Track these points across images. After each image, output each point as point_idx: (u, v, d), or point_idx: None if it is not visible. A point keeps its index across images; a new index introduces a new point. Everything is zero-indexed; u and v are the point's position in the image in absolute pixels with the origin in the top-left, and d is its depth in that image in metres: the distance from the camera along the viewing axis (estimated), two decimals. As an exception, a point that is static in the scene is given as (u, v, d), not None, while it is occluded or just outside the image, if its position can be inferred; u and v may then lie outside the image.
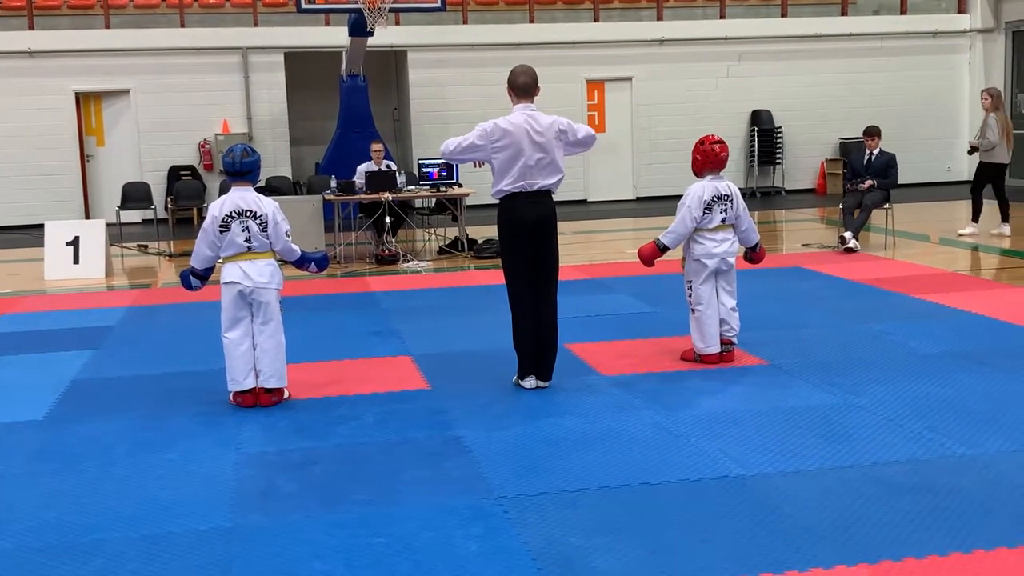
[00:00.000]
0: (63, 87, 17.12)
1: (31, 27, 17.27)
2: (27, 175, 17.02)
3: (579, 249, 12.61)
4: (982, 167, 12.60)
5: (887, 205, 11.87)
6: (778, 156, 19.15)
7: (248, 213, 5.98)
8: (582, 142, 6.26)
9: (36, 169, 17.09)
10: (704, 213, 6.65)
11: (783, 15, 19.55)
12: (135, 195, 16.36)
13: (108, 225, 12.32)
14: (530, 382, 6.28)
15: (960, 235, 12.52)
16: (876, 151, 11.86)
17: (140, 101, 17.42)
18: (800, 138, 19.32)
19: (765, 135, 19.06)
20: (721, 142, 6.78)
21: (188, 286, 6.30)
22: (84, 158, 17.61)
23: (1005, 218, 12.55)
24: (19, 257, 13.51)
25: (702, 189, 6.68)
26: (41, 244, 12.03)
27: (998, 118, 12.40)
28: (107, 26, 17.47)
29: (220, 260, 6.10)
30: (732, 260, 6.77)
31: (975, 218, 12.62)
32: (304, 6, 13.95)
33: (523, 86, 6.13)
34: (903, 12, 19.98)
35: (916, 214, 14.14)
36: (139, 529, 4.31)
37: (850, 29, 19.37)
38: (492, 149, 6.09)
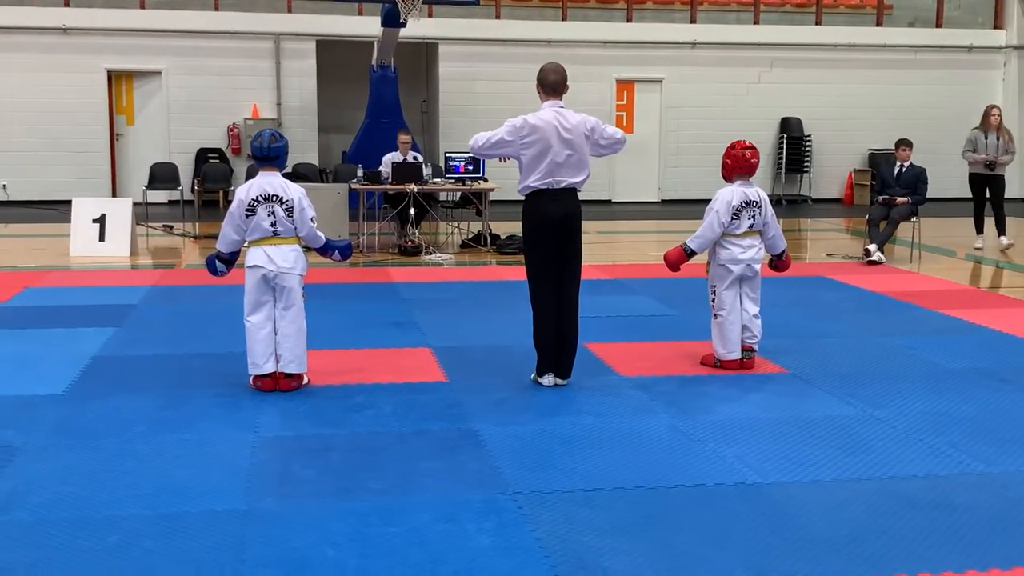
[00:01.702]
0: (96, 65, 17.22)
1: (66, 4, 17.37)
2: (57, 151, 17.14)
3: (602, 249, 12.60)
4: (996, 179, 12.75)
5: (914, 218, 11.80)
6: (806, 164, 19.07)
7: (274, 198, 6.00)
8: (610, 146, 6.24)
9: (66, 145, 17.20)
10: (732, 218, 6.62)
11: (817, 23, 19.46)
12: (163, 176, 16.46)
13: (135, 205, 12.38)
14: (548, 379, 6.28)
15: (977, 249, 12.61)
16: (907, 164, 11.79)
17: (171, 82, 17.51)
18: (829, 147, 19.23)
19: (794, 143, 18.98)
20: (752, 148, 6.74)
21: (213, 271, 6.32)
22: (114, 137, 17.72)
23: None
24: (45, 232, 13.60)
25: (731, 194, 6.65)
26: (67, 220, 12.11)
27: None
28: (142, 6, 17.57)
29: (245, 244, 6.13)
30: (758, 267, 6.74)
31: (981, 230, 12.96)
32: (339, -6, 13.98)
33: (553, 84, 6.13)
34: (939, 25, 19.86)
35: (943, 229, 14.05)
36: (155, 507, 4.33)
37: (884, 40, 19.26)
38: (520, 145, 6.08)
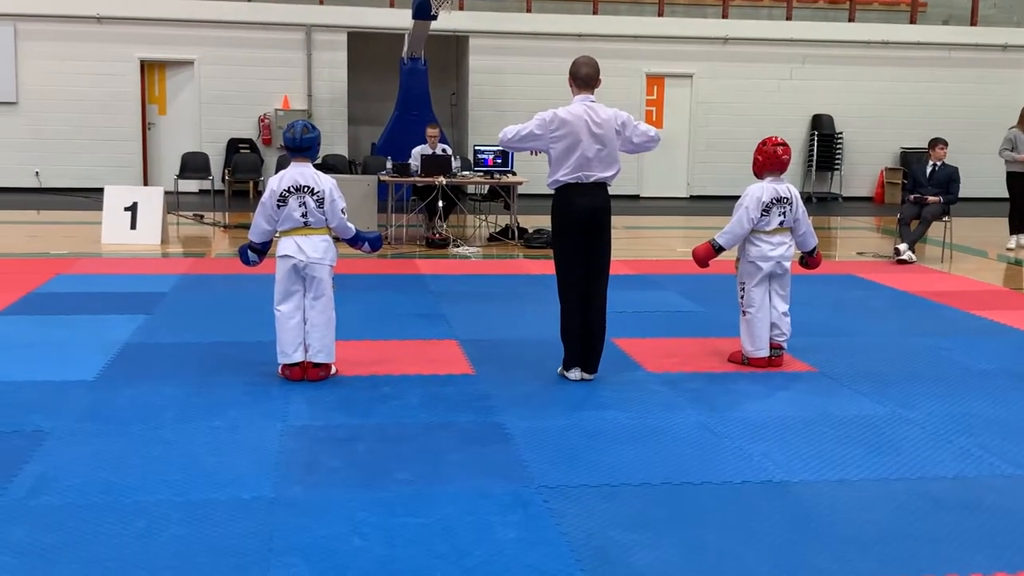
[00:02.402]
0: (129, 54, 17.34)
1: (101, -7, 17.48)
2: (89, 139, 17.27)
3: (629, 244, 12.56)
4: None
5: (946, 218, 11.70)
6: (837, 162, 18.95)
7: (306, 189, 6.02)
8: (643, 144, 6.21)
9: (98, 134, 17.33)
10: (762, 215, 6.59)
11: (850, 19, 19.31)
12: (194, 165, 16.57)
13: (166, 193, 12.46)
14: (575, 374, 6.27)
15: (1009, 249, 12.50)
16: (940, 163, 11.68)
17: (203, 72, 17.60)
18: (860, 145, 19.10)
19: (825, 140, 18.86)
20: (784, 144, 6.70)
21: (246, 261, 6.36)
22: (146, 125, 17.84)
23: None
24: (77, 219, 13.72)
25: (761, 190, 6.61)
26: (99, 208, 12.21)
27: None
28: (175, -4, 17.66)
29: (277, 234, 6.16)
30: (788, 264, 6.70)
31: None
32: (370, -14, 13.99)
33: (585, 77, 6.11)
34: (973, 23, 19.66)
35: (975, 229, 13.91)
36: (183, 494, 4.36)
37: (918, 38, 19.09)
38: (550, 139, 6.07)
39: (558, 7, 18.91)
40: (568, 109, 6.09)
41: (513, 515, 4.22)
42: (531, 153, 6.44)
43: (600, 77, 6.18)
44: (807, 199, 18.66)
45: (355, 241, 6.40)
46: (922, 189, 11.70)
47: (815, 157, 18.88)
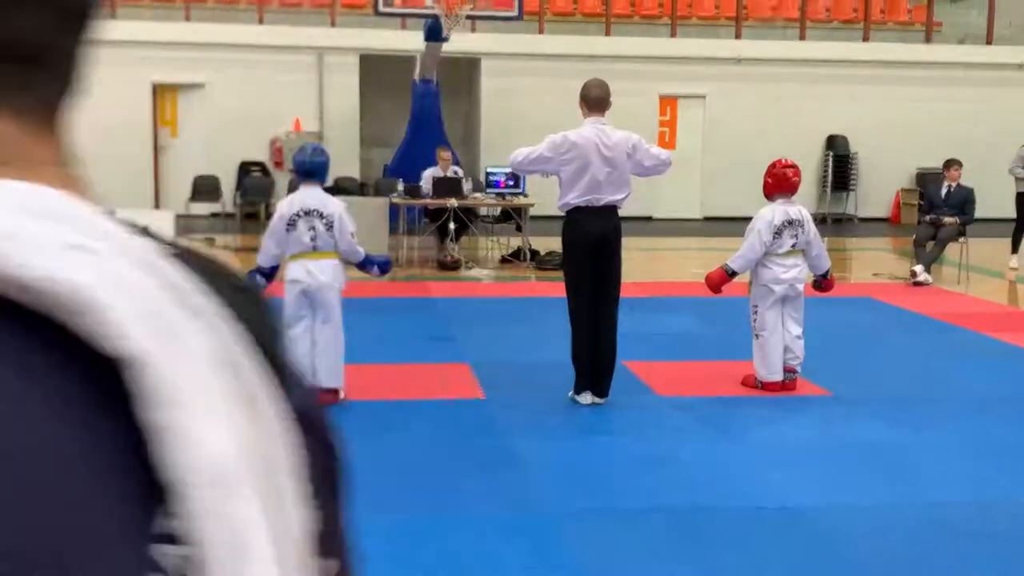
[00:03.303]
0: (141, 77, 17.41)
1: (113, 16, 17.59)
2: (100, 163, 17.10)
3: (642, 266, 12.49)
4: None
5: (962, 239, 11.62)
6: (852, 183, 18.86)
7: (315, 212, 6.00)
8: (655, 167, 6.19)
9: (109, 157, 17.31)
10: (774, 238, 6.53)
11: (865, 39, 19.27)
12: (205, 188, 16.61)
13: (177, 217, 12.47)
14: (586, 398, 6.21)
15: (1012, 269, 12.46)
16: (955, 184, 11.61)
17: (215, 95, 17.66)
18: (876, 165, 19.01)
19: (840, 161, 18.78)
20: (793, 166, 6.66)
21: (252, 285, 6.33)
22: (157, 148, 17.90)
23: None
24: (90, 242, 13.72)
25: (772, 213, 6.56)
26: (111, 231, 12.20)
27: None
28: (187, 19, 17.76)
29: (286, 258, 6.14)
30: (800, 287, 6.64)
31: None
32: (381, 9, 14.03)
33: (596, 99, 6.08)
34: (989, 42, 19.59)
35: (992, 250, 13.79)
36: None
37: (933, 57, 19.02)
38: (560, 161, 6.04)
39: (570, 28, 18.94)
40: (579, 132, 6.06)
41: (522, 541, 4.17)
42: (542, 175, 6.41)
43: (611, 99, 6.15)
44: (822, 220, 18.58)
45: (364, 264, 6.37)
46: (938, 210, 11.63)
47: (830, 178, 18.79)
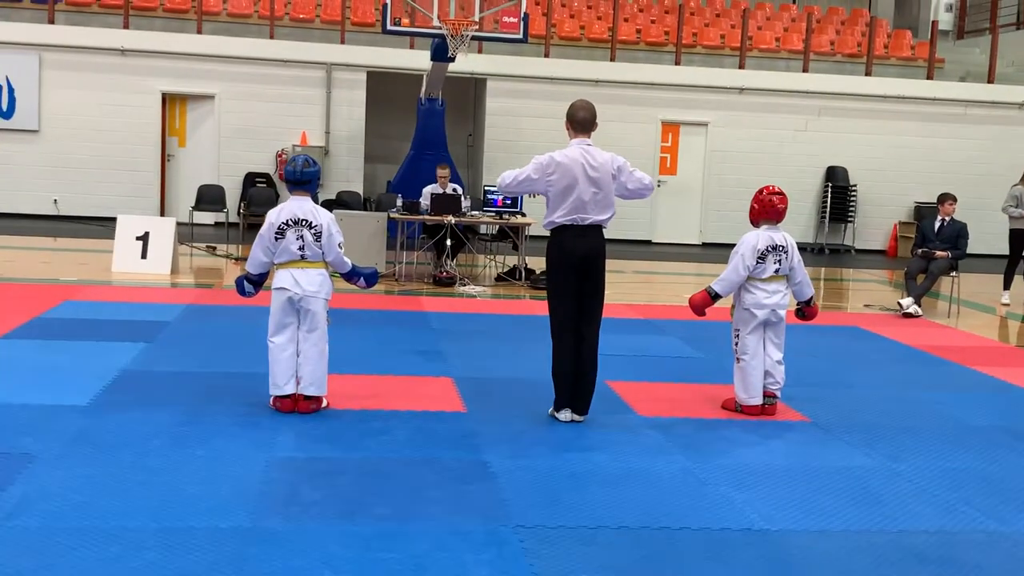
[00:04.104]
0: (151, 87, 17.57)
1: (126, 26, 17.78)
2: (108, 169, 17.47)
3: (637, 288, 12.58)
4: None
5: (954, 273, 11.68)
6: (851, 214, 18.94)
7: (304, 222, 6.09)
8: (638, 191, 6.22)
9: (117, 164, 17.53)
10: (757, 262, 6.61)
11: (867, 73, 19.39)
12: (209, 197, 16.72)
13: (181, 225, 12.56)
14: (565, 415, 6.28)
15: (1004, 304, 12.58)
16: (949, 218, 11.69)
17: (224, 106, 17.81)
18: (875, 198, 19.09)
19: (839, 192, 18.87)
20: (780, 193, 6.74)
21: (242, 292, 6.43)
22: (165, 157, 18.03)
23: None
24: (90, 247, 13.85)
25: (756, 238, 6.63)
26: (113, 237, 12.32)
27: None
28: (199, 31, 17.92)
29: (274, 266, 6.22)
30: (783, 312, 6.70)
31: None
32: (389, 27, 14.16)
33: (582, 121, 6.17)
34: (990, 80, 19.69)
35: (985, 285, 13.86)
36: (161, 520, 4.39)
37: (935, 93, 19.13)
38: (546, 182, 6.13)
39: (576, 52, 19.08)
40: (564, 152, 6.15)
41: (487, 553, 4.22)
42: (531, 196, 6.49)
43: (597, 122, 6.23)
44: (820, 251, 18.66)
45: (351, 276, 6.46)
46: (930, 244, 11.70)
47: (828, 209, 18.87)
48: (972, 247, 11.74)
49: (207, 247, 14.39)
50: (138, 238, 12.03)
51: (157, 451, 5.34)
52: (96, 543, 4.10)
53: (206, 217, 16.89)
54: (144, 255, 11.98)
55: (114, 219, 12.44)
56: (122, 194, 17.26)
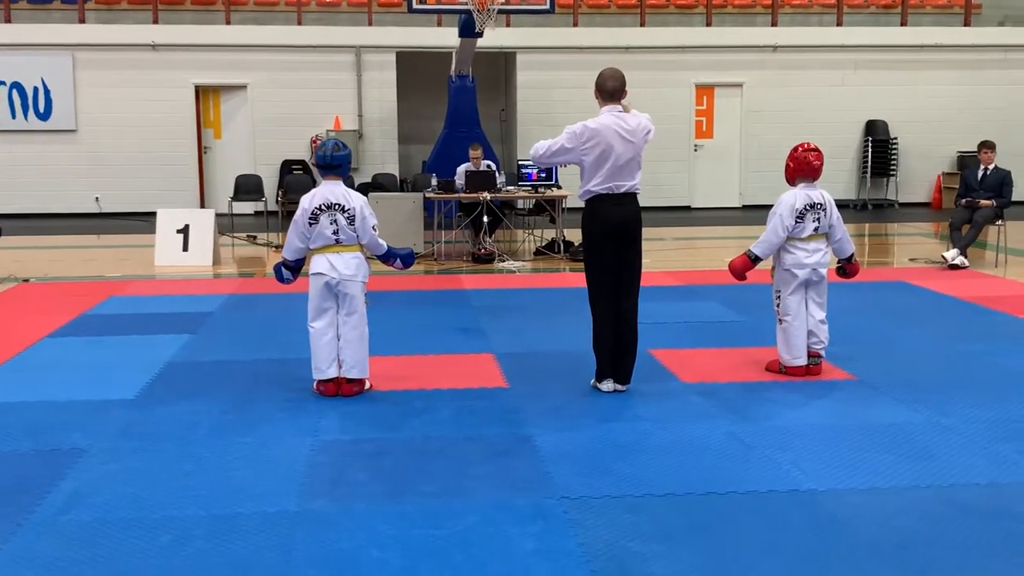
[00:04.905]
0: (183, 80, 17.70)
1: (155, 21, 17.89)
2: (146, 164, 17.65)
3: (678, 255, 12.49)
4: None
5: (999, 222, 11.48)
6: (892, 168, 18.66)
7: (336, 206, 6.10)
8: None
9: (155, 159, 17.70)
10: (796, 222, 6.52)
11: (902, 23, 19.04)
12: (247, 187, 16.84)
13: (221, 215, 12.66)
14: (607, 385, 6.26)
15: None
16: (991, 167, 11.48)
17: (256, 96, 17.90)
18: (916, 150, 18.79)
19: (880, 146, 18.59)
20: (816, 150, 6.64)
21: (280, 278, 6.47)
22: (201, 150, 18.18)
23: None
24: (132, 243, 14.00)
25: (794, 197, 6.55)
26: (154, 231, 12.45)
27: None
28: (227, 22, 18.00)
29: (311, 250, 6.25)
30: (824, 271, 6.62)
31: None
32: (415, 6, 14.10)
33: (611, 91, 6.12)
34: (1030, 23, 19.27)
35: (1033, 232, 13.62)
36: (209, 508, 4.43)
37: (973, 40, 18.75)
38: (582, 151, 6.08)
39: (605, 20, 18.92)
40: (597, 120, 6.10)
41: (532, 527, 4.22)
42: (563, 166, 6.44)
43: (626, 89, 6.18)
44: (863, 206, 18.42)
45: (387, 258, 6.46)
46: (974, 193, 11.51)
47: (870, 163, 18.61)
48: (1017, 194, 11.50)
49: (247, 236, 14.49)
50: (179, 231, 12.15)
51: (203, 440, 5.40)
52: (147, 533, 4.16)
53: (245, 207, 17.03)
54: (185, 248, 12.10)
55: (154, 214, 12.56)
56: (161, 188, 17.43)
